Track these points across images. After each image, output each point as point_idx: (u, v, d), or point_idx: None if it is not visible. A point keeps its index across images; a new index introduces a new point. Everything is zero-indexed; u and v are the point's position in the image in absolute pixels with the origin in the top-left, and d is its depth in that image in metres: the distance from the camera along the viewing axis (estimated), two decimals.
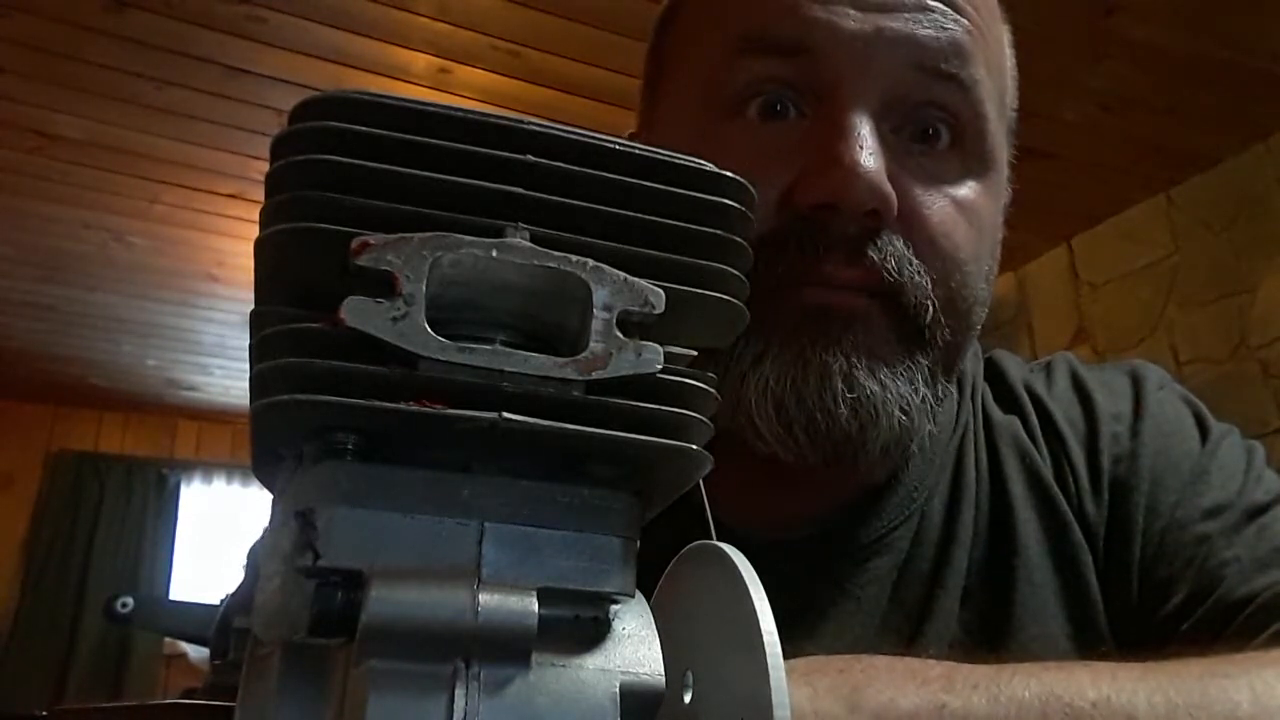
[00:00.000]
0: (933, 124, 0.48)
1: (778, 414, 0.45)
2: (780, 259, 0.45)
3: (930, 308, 0.47)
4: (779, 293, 0.45)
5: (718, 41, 0.50)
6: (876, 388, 0.46)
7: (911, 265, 0.46)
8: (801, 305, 0.46)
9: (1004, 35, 0.54)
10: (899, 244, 0.46)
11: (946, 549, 0.52)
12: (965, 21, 0.48)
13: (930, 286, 0.47)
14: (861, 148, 0.45)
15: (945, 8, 0.48)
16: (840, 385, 0.45)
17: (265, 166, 0.22)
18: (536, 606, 0.20)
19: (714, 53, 0.50)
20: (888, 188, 0.45)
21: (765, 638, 0.22)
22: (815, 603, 0.51)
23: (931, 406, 0.48)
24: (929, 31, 0.47)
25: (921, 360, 0.48)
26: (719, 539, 0.26)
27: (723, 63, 0.49)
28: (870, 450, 0.46)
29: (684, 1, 0.55)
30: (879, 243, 0.46)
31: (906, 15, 0.47)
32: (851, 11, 0.47)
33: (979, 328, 0.52)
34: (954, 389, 0.57)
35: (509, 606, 0.20)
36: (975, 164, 0.50)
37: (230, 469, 4.58)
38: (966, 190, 0.49)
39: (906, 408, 0.46)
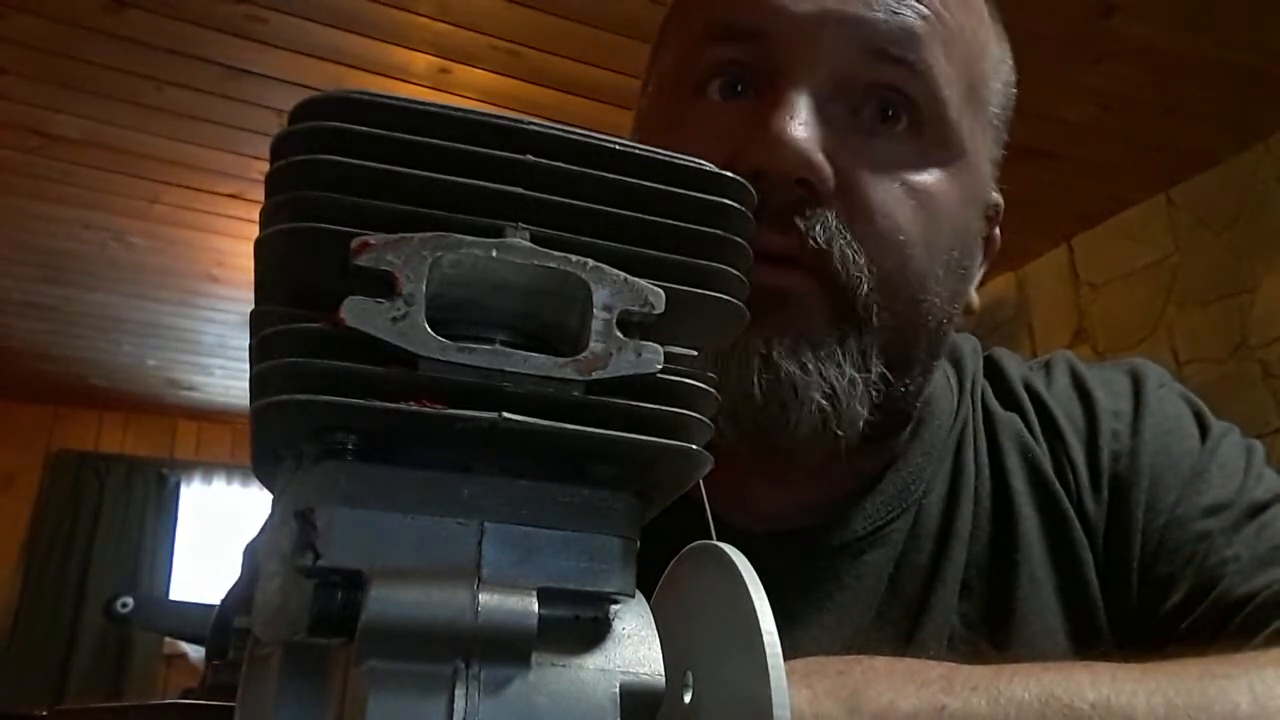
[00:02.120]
0: (890, 106, 0.49)
1: None
2: None
3: (865, 284, 0.47)
4: None
5: (687, 34, 0.53)
6: (796, 370, 0.46)
7: (844, 238, 0.47)
8: None
9: (983, 29, 0.54)
10: (830, 216, 0.47)
11: (945, 542, 0.52)
12: (921, 8, 0.49)
13: (865, 262, 0.47)
14: (791, 118, 0.46)
15: None
16: (758, 366, 0.45)
17: (265, 166, 0.22)
18: (536, 606, 0.20)
19: (684, 44, 0.53)
20: (817, 157, 0.46)
21: (765, 638, 0.22)
22: (813, 595, 0.51)
23: (865, 389, 0.48)
24: (878, 14, 0.48)
25: (852, 342, 0.48)
26: (717, 535, 0.26)
27: (690, 51, 0.51)
28: (793, 433, 0.46)
29: (675, 8, 0.58)
30: (809, 213, 0.46)
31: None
32: None
33: (944, 321, 0.52)
34: (951, 384, 0.57)
35: (509, 606, 0.20)
36: (937, 151, 0.50)
37: (230, 469, 4.58)
38: (924, 176, 0.49)
39: (830, 391, 0.46)
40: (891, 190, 0.48)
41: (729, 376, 0.45)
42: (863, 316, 0.47)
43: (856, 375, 0.47)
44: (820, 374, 0.46)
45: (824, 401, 0.46)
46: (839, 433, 0.47)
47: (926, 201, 0.49)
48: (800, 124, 0.46)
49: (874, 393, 0.48)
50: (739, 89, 0.50)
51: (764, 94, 0.49)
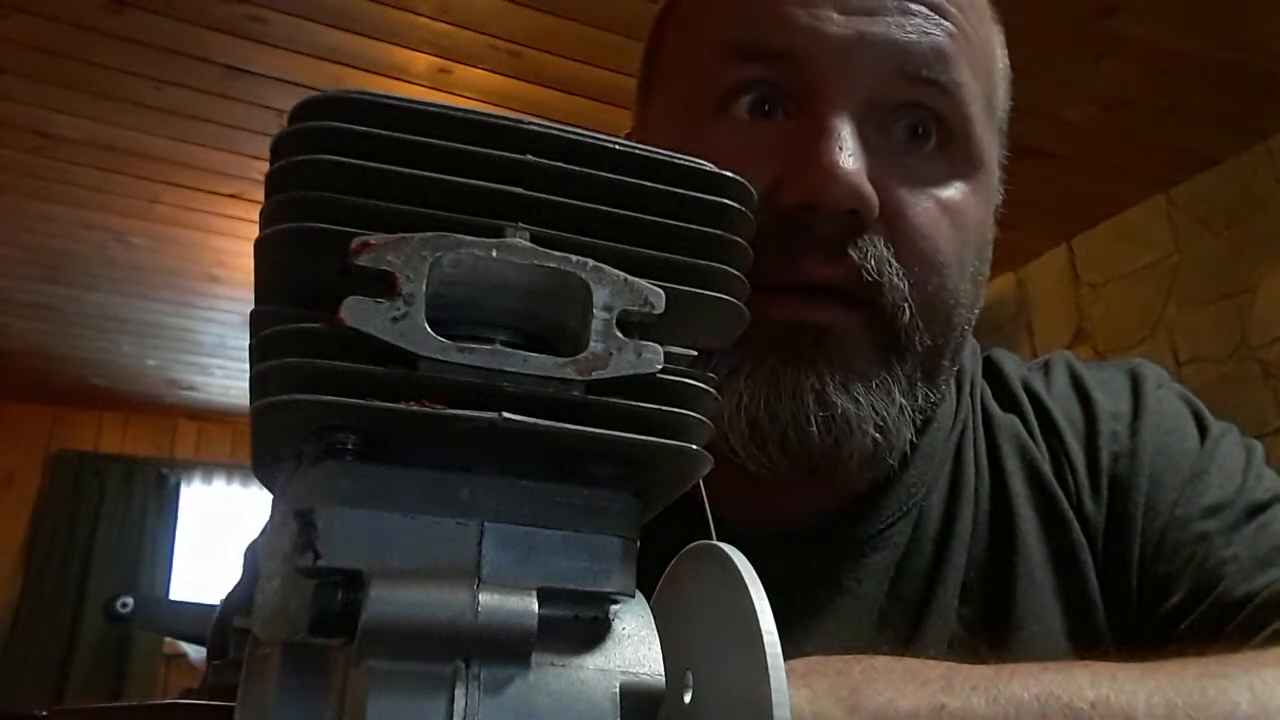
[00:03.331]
0: (919, 124, 0.49)
1: (751, 430, 0.46)
2: (760, 258, 0.46)
3: (907, 310, 0.47)
4: (758, 302, 0.46)
5: (707, 45, 0.51)
6: (850, 405, 0.46)
7: (891, 267, 0.47)
8: (777, 321, 0.46)
9: (994, 36, 0.55)
10: (880, 244, 0.47)
11: (945, 545, 0.52)
12: (948, 25, 0.49)
13: (908, 289, 0.47)
14: (841, 149, 0.46)
15: (928, 11, 0.49)
16: (812, 403, 0.46)
17: (265, 166, 0.22)
18: (536, 606, 0.20)
19: (704, 56, 0.51)
20: (867, 188, 0.46)
21: (765, 638, 0.22)
22: (813, 598, 0.51)
23: (911, 415, 0.49)
24: (911, 36, 0.48)
25: (899, 370, 0.48)
26: (718, 536, 0.26)
27: (712, 65, 0.50)
28: (847, 464, 0.47)
29: (677, 5, 0.56)
30: (860, 243, 0.46)
31: (889, 19, 0.48)
32: (835, 16, 0.48)
33: (967, 328, 0.52)
34: (951, 386, 0.57)
35: (509, 606, 0.20)
36: (962, 165, 0.50)
37: (230, 469, 4.57)
38: (952, 191, 0.50)
39: (882, 423, 0.47)
40: (929, 211, 0.49)
41: (780, 411, 0.46)
42: (905, 343, 0.48)
43: (905, 402, 0.48)
44: (872, 407, 0.47)
45: (876, 434, 0.47)
46: (889, 461, 0.49)
47: (957, 218, 0.49)
48: (849, 155, 0.45)
49: (917, 416, 0.49)
50: (767, 108, 0.49)
51: (799, 116, 0.48)
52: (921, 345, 0.48)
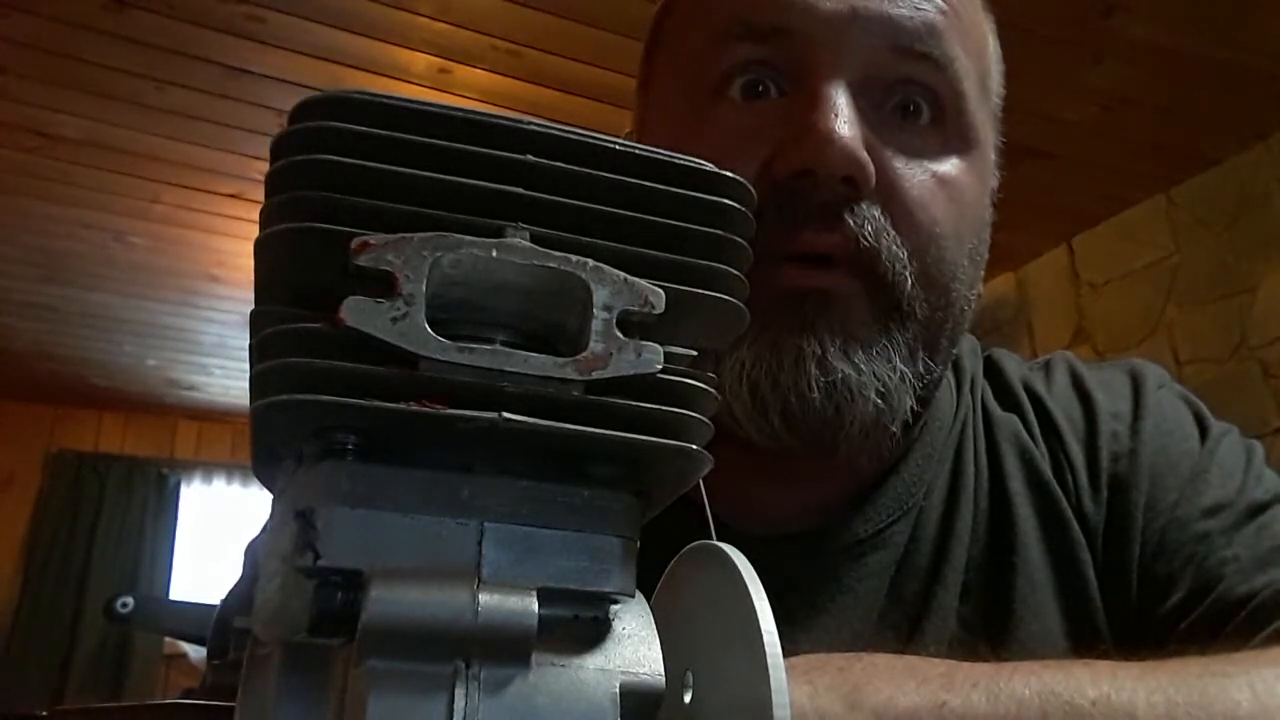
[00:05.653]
0: (912, 100, 0.49)
1: (753, 398, 0.46)
2: (759, 230, 0.46)
3: (907, 278, 0.47)
4: (758, 271, 0.46)
5: (702, 33, 0.52)
6: (851, 371, 0.46)
7: (889, 235, 0.47)
8: (777, 289, 0.46)
9: (984, 21, 0.55)
10: (876, 213, 0.47)
11: (945, 544, 0.52)
12: (939, 3, 0.50)
13: (906, 258, 0.47)
14: (836, 116, 0.46)
15: None
16: (814, 369, 0.46)
17: (265, 166, 0.22)
18: (536, 606, 0.20)
19: (700, 44, 0.52)
20: (863, 155, 0.46)
21: (765, 638, 0.22)
22: (813, 597, 0.51)
23: (913, 383, 0.48)
24: (903, 11, 0.48)
25: (899, 336, 0.48)
26: (718, 537, 0.26)
27: (707, 51, 0.51)
28: (849, 432, 0.47)
29: (675, 3, 0.57)
30: (856, 210, 0.47)
31: None
32: None
33: (966, 308, 0.52)
34: (951, 384, 0.57)
35: (509, 606, 0.20)
36: (957, 141, 0.51)
37: (230, 469, 4.58)
38: (948, 166, 0.50)
39: (883, 389, 0.47)
40: (925, 182, 0.49)
41: (781, 378, 0.46)
42: (906, 311, 0.48)
43: (905, 369, 0.48)
44: (873, 373, 0.47)
45: (878, 399, 0.47)
46: (891, 428, 0.48)
47: (954, 193, 0.50)
48: (845, 121, 0.46)
49: (918, 384, 0.49)
50: (761, 89, 0.49)
51: (794, 93, 0.48)
52: (921, 313, 0.48)
